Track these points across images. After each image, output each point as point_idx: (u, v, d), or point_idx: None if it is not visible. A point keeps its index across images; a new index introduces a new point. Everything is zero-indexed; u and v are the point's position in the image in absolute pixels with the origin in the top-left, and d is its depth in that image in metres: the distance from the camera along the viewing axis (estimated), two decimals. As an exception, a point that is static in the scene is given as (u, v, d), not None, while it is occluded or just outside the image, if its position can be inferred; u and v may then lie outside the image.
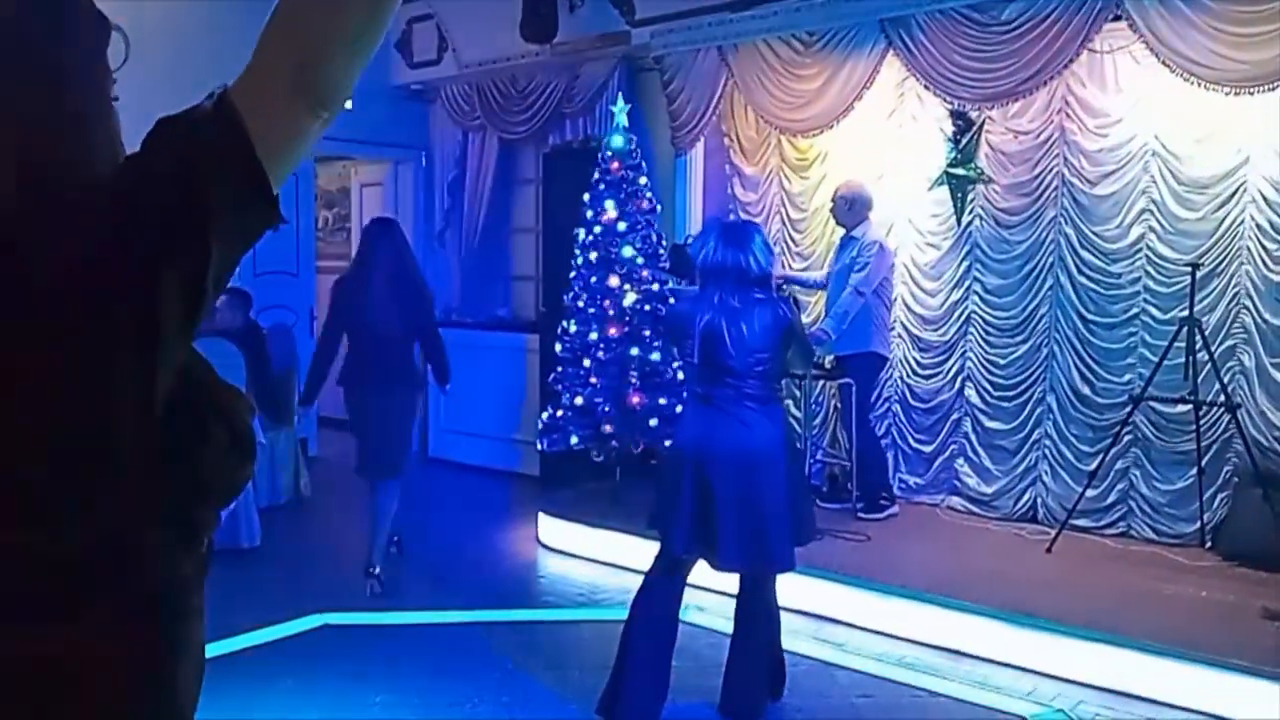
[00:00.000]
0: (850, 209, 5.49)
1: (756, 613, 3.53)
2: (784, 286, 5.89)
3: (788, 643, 4.19)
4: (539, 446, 5.97)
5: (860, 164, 5.94)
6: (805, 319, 5.95)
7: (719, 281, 3.35)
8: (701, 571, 3.54)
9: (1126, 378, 5.20)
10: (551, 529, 5.63)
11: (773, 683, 3.65)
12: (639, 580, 3.56)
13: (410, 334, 4.79)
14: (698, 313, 3.36)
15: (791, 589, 4.58)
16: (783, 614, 4.29)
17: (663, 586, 3.45)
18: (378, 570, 4.76)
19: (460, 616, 4.56)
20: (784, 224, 6.36)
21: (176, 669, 0.98)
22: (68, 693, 0.90)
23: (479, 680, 3.84)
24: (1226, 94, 4.48)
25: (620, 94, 6.23)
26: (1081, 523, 5.14)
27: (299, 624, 4.29)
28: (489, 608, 4.68)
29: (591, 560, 5.30)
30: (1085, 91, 5.21)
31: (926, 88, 5.27)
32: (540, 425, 5.86)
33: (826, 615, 4.50)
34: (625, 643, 3.45)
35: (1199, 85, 4.54)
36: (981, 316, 5.65)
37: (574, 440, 5.64)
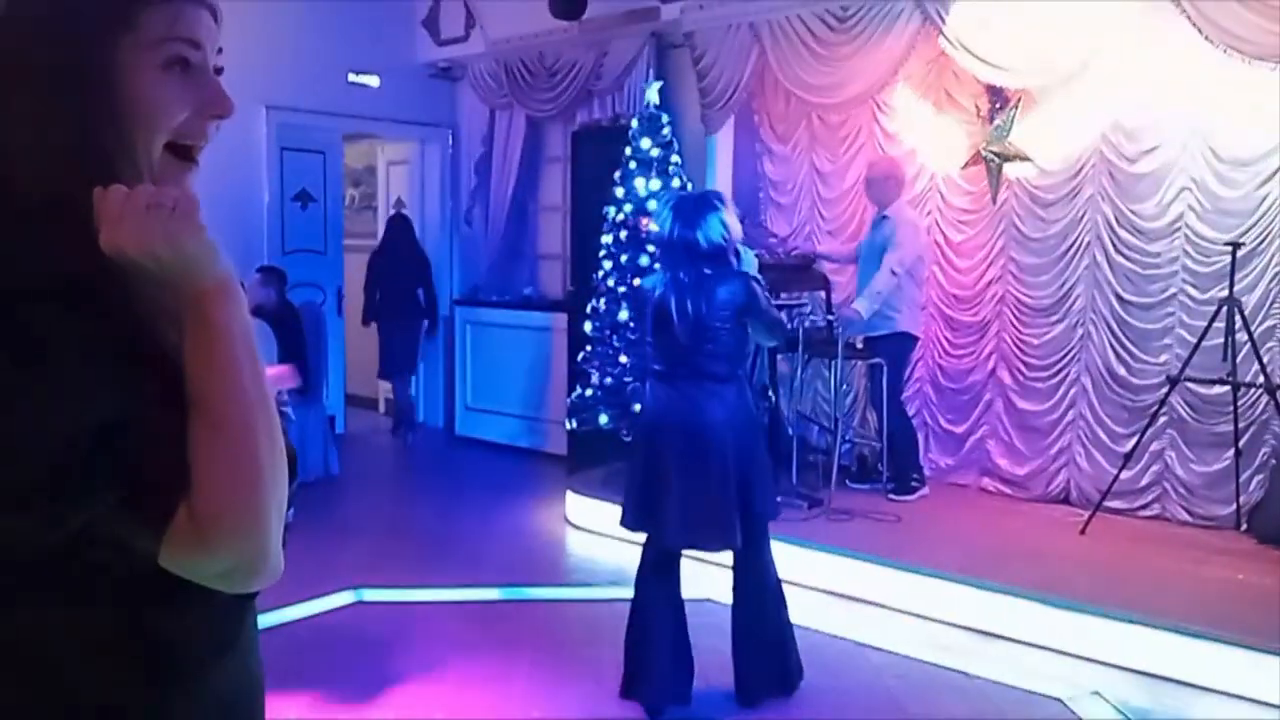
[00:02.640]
0: (884, 187, 5.43)
1: (757, 590, 3.50)
2: (814, 263, 5.85)
3: (819, 623, 4.18)
4: (568, 425, 5.97)
5: (893, 141, 5.88)
6: (836, 298, 5.91)
7: (670, 258, 3.36)
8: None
9: (1163, 358, 5.13)
10: (580, 508, 5.64)
11: (784, 672, 3.57)
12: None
13: (415, 288, 7.59)
14: (651, 290, 3.39)
15: (822, 570, 4.59)
16: (814, 594, 4.26)
17: (654, 568, 3.45)
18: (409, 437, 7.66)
19: (491, 594, 4.58)
20: (815, 202, 6.30)
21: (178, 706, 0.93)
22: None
23: (511, 656, 3.86)
24: (1271, 69, 4.39)
25: (650, 71, 6.19)
26: (1115, 504, 5.08)
27: (332, 600, 4.32)
28: (519, 585, 4.69)
29: (620, 539, 5.28)
30: (1126, 67, 5.10)
31: (964, 64, 5.18)
32: (569, 404, 5.86)
33: (858, 596, 4.48)
34: (631, 628, 3.47)
35: (1243, 60, 4.45)
36: (1015, 296, 5.58)
37: (603, 420, 5.64)
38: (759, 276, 3.47)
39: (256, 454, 0.86)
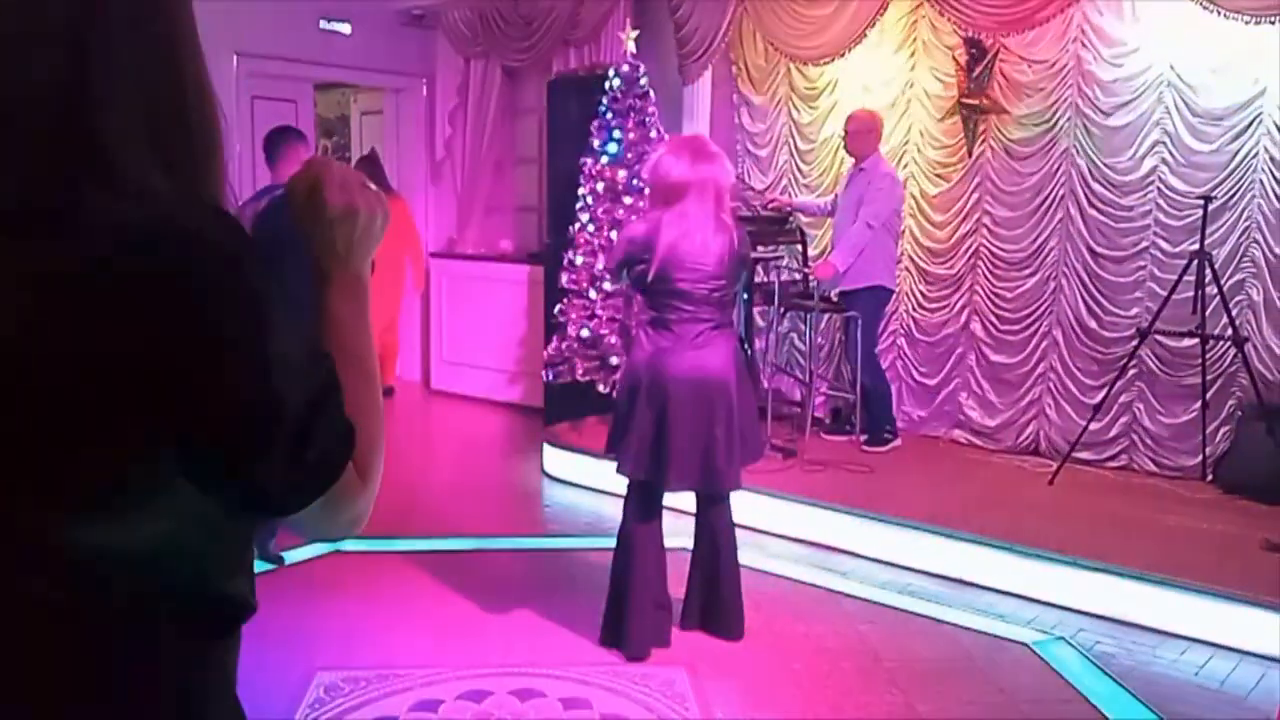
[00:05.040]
0: (862, 139, 5.42)
1: (726, 529, 3.58)
2: (791, 216, 5.85)
3: (793, 571, 4.26)
4: (544, 378, 5.97)
5: (871, 93, 5.86)
6: (812, 251, 5.92)
7: (681, 203, 3.29)
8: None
9: (1134, 311, 5.19)
10: (556, 459, 5.66)
11: (741, 611, 3.64)
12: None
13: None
14: (658, 235, 3.28)
15: (796, 519, 4.65)
16: (788, 544, 4.33)
17: (642, 513, 3.48)
18: None
19: (469, 544, 4.61)
20: (792, 155, 6.28)
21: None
22: None
23: (489, 605, 3.90)
24: (1246, 23, 4.41)
25: (627, 21, 6.12)
26: (1083, 455, 5.17)
27: (309, 549, 4.33)
28: (496, 535, 4.73)
29: (596, 490, 5.34)
30: (1102, 20, 5.12)
31: (941, 14, 5.17)
32: (545, 357, 5.86)
33: (831, 545, 4.55)
34: (617, 577, 3.51)
35: (1218, 14, 4.47)
36: (990, 249, 5.62)
37: (579, 372, 5.65)
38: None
39: (380, 400, 1.01)
